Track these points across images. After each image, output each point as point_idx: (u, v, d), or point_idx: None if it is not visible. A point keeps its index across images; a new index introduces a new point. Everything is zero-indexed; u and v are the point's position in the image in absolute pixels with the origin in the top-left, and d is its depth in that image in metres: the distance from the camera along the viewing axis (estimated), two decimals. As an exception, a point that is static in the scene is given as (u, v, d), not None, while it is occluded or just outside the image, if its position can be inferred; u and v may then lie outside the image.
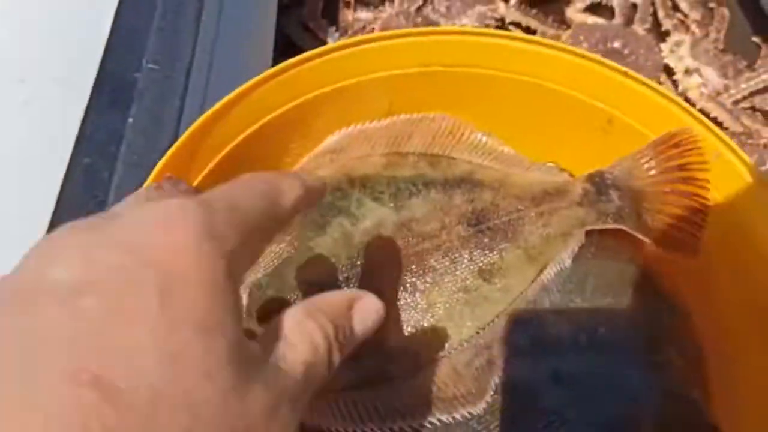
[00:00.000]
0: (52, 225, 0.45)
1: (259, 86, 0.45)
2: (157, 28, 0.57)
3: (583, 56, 0.45)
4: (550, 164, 0.52)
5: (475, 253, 0.43)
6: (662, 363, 0.40)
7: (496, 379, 0.40)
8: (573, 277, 0.43)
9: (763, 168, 0.93)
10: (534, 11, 1.17)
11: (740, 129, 0.98)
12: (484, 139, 0.50)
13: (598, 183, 0.46)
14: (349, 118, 0.51)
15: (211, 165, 0.45)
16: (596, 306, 0.42)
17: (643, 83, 0.44)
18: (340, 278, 0.43)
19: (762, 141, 0.97)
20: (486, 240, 0.43)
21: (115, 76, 0.52)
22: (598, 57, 0.46)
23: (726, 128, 1.00)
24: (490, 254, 0.43)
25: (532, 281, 0.43)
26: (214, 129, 0.44)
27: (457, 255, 0.43)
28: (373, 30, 1.09)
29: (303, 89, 0.47)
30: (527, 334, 0.41)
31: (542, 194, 0.45)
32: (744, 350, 0.42)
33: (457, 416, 0.39)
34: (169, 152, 0.41)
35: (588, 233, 0.45)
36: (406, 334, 0.41)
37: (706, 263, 0.44)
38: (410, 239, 0.44)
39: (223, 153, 0.45)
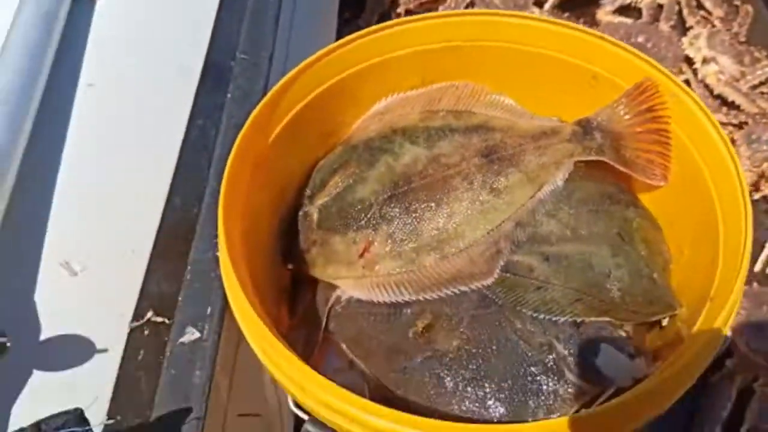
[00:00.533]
0: (178, 166, 0.62)
1: (319, 60, 0.61)
2: (246, 29, 0.75)
3: (569, 26, 0.60)
4: (553, 118, 0.66)
5: (487, 176, 0.58)
6: (629, 251, 0.54)
7: (501, 263, 0.54)
8: (563, 192, 0.57)
9: (777, 142, 1.03)
10: (566, 14, 1.31)
11: (755, 110, 1.09)
12: (497, 98, 0.65)
13: (585, 126, 0.60)
14: (391, 87, 0.67)
15: (285, 120, 0.61)
16: (579, 211, 0.56)
17: (616, 44, 0.59)
18: (385, 196, 0.58)
19: (778, 121, 1.07)
20: (495, 166, 0.58)
21: (217, 63, 0.71)
22: (581, 26, 0.60)
23: (743, 110, 1.11)
24: (499, 177, 0.58)
25: (531, 197, 0.57)
26: (287, 94, 0.61)
27: (473, 178, 0.58)
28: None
29: (352, 63, 0.63)
30: (525, 232, 0.55)
31: (540, 133, 0.60)
32: (686, 244, 0.55)
33: (473, 287, 0.53)
34: (255, 110, 0.58)
35: (576, 163, 0.59)
36: (434, 235, 0.56)
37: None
38: (438, 168, 0.59)
39: (294, 111, 0.62)
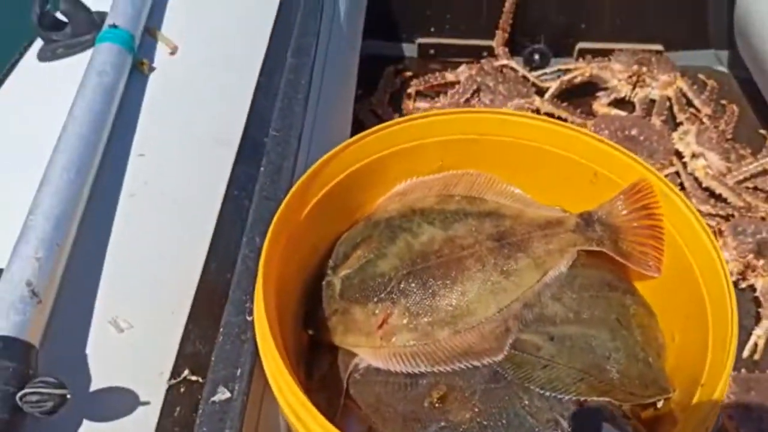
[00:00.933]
0: (215, 234, 0.68)
1: (348, 147, 0.68)
2: (278, 109, 0.83)
3: (573, 129, 0.68)
4: (556, 207, 0.73)
5: (498, 259, 0.64)
6: (627, 336, 0.59)
7: (510, 341, 0.59)
8: (567, 278, 0.63)
9: (759, 236, 1.11)
10: (565, 104, 1.41)
11: (741, 204, 1.17)
12: (508, 187, 0.72)
13: (587, 219, 0.67)
14: (412, 171, 0.74)
15: (316, 198, 0.68)
16: (581, 296, 0.62)
17: (615, 148, 0.66)
18: (404, 272, 0.64)
19: (760, 214, 1.15)
20: (506, 250, 0.65)
21: (253, 139, 0.78)
22: (585, 130, 0.68)
23: (729, 203, 1.19)
24: (509, 260, 0.64)
25: (538, 280, 0.63)
26: (320, 176, 0.67)
27: (485, 260, 0.64)
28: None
29: (374, 150, 0.70)
30: (532, 313, 0.61)
31: (546, 223, 0.67)
32: (677, 329, 0.61)
33: (484, 362, 0.58)
34: (293, 189, 0.64)
35: (579, 252, 0.65)
36: (449, 311, 0.62)
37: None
38: (453, 248, 0.65)
39: (324, 190, 0.68)
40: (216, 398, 0.57)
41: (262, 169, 0.76)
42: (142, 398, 0.54)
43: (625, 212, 0.66)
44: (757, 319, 1.05)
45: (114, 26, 0.83)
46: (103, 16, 0.87)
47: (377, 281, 0.64)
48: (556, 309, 0.61)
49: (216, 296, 0.63)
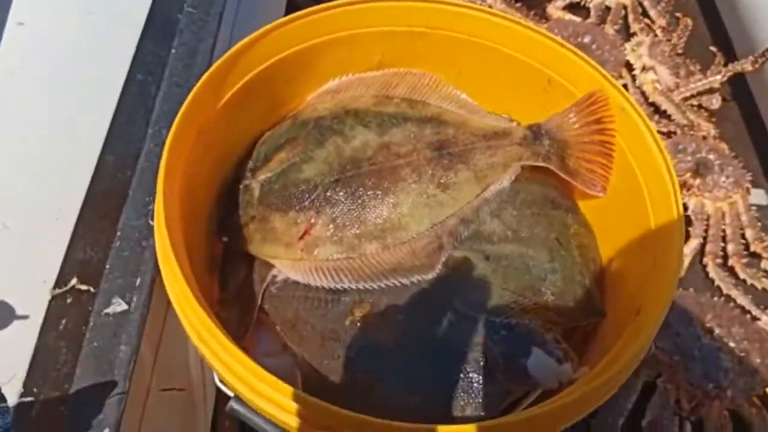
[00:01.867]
0: (113, 124, 0.59)
1: (274, 30, 0.60)
2: (196, -20, 0.71)
3: (532, 29, 0.61)
4: (504, 115, 0.68)
5: (436, 170, 0.59)
6: (566, 257, 0.56)
7: (443, 258, 0.55)
8: (508, 193, 0.59)
9: (698, 155, 1.10)
10: (518, 4, 1.33)
11: (685, 121, 1.15)
12: (453, 91, 0.66)
13: (535, 131, 0.62)
14: (348, 65, 0.66)
15: (237, 87, 0.59)
16: (522, 213, 0.58)
17: (575, 53, 0.60)
18: (332, 179, 0.58)
19: (701, 133, 1.14)
20: (445, 161, 0.59)
21: (163, 14, 0.67)
22: (543, 29, 0.62)
23: (673, 120, 1.17)
24: (448, 172, 0.59)
25: (478, 195, 0.59)
26: (242, 59, 0.59)
27: (422, 170, 0.59)
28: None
29: (306, 37, 0.62)
30: (468, 229, 0.57)
31: (492, 133, 0.61)
32: (617, 252, 0.59)
33: (413, 280, 0.54)
34: (208, 72, 0.56)
35: (523, 166, 0.61)
36: (378, 223, 0.57)
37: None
38: (388, 156, 0.59)
39: (247, 78, 0.60)
40: (110, 310, 0.51)
41: (173, 50, 0.66)
42: (20, 310, 0.47)
43: (576, 126, 0.61)
44: (686, 237, 1.06)
45: None
46: None
47: (301, 187, 0.58)
48: (494, 226, 0.57)
49: (113, 196, 0.56)
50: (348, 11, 0.62)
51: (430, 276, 0.55)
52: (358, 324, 0.52)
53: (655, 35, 1.32)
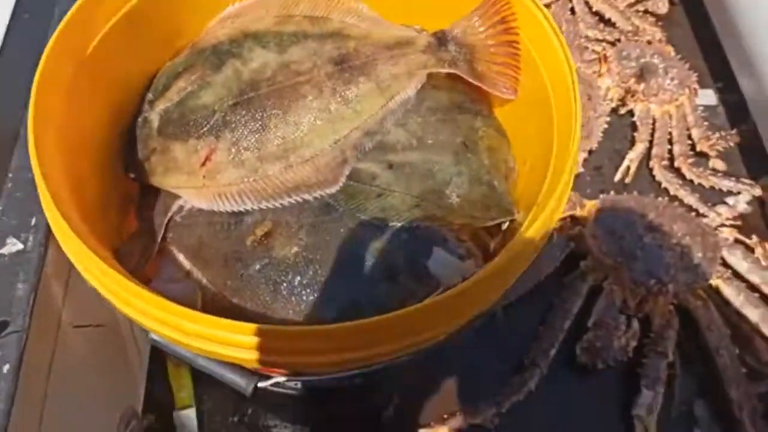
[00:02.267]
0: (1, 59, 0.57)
1: None
2: None
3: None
4: (416, 26, 0.66)
5: (337, 85, 0.58)
6: (472, 159, 0.56)
7: (347, 172, 0.55)
8: (414, 101, 0.58)
9: (642, 60, 1.09)
10: None
11: (629, 27, 1.13)
12: (356, 5, 0.64)
13: (440, 38, 0.61)
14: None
15: (118, 16, 0.57)
16: (427, 120, 0.57)
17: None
18: (230, 103, 0.57)
19: (646, 38, 1.13)
20: (347, 75, 0.58)
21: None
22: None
23: (618, 27, 1.15)
24: (349, 86, 0.58)
25: (382, 106, 0.58)
26: None
27: (323, 86, 0.57)
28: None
29: None
30: (373, 141, 0.56)
31: (395, 43, 0.60)
32: (529, 155, 0.59)
33: (316, 195, 0.54)
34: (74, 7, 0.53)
35: (430, 74, 0.59)
36: (280, 143, 0.56)
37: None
38: (288, 75, 0.58)
39: (128, 6, 0.58)
40: (5, 250, 0.50)
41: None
42: None
43: (482, 29, 0.60)
44: (632, 143, 1.06)
45: None
46: None
47: (200, 114, 0.57)
48: (399, 135, 0.57)
49: (3, 138, 0.55)
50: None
51: (334, 190, 0.54)
52: (260, 242, 0.52)
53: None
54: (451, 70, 0.60)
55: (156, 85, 0.61)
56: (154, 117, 0.59)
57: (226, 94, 0.58)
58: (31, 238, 0.51)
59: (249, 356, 0.42)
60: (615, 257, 0.91)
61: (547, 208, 0.47)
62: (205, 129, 0.57)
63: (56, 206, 0.44)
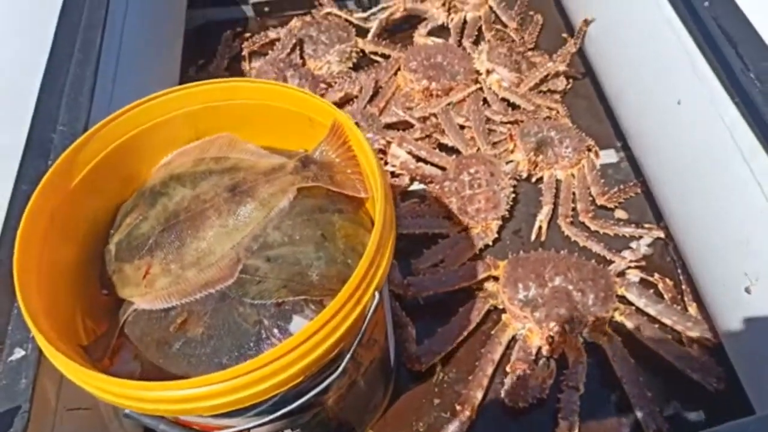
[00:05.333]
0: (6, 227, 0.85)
1: (112, 121, 0.84)
2: (64, 104, 0.98)
3: (288, 87, 0.85)
4: (301, 150, 0.90)
5: (231, 206, 0.82)
6: (329, 246, 0.78)
7: (239, 268, 0.78)
8: (288, 210, 0.81)
9: (540, 134, 1.30)
10: (385, 41, 1.57)
11: (531, 108, 1.35)
12: (246, 144, 0.89)
13: (304, 160, 0.85)
14: (172, 140, 0.91)
15: (85, 171, 0.84)
16: (295, 221, 0.80)
17: (316, 98, 0.83)
18: (160, 230, 0.82)
19: (544, 115, 1.34)
20: (238, 198, 0.82)
21: (39, 137, 0.93)
22: (303, 90, 0.85)
23: (523, 109, 1.38)
24: (240, 206, 0.82)
25: (265, 217, 0.81)
26: (85, 149, 0.83)
27: (222, 208, 0.82)
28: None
29: (140, 122, 0.87)
30: (258, 242, 0.79)
31: (271, 169, 0.84)
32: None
33: (218, 288, 0.77)
34: (55, 164, 0.80)
35: (300, 188, 0.83)
36: (194, 254, 0.80)
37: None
38: (198, 204, 0.83)
39: (93, 163, 0.85)
40: (13, 357, 0.75)
41: (50, 162, 0.92)
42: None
43: (331, 150, 0.84)
44: (540, 206, 1.25)
45: None
46: None
47: (140, 241, 0.82)
48: (275, 236, 0.80)
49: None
50: (162, 101, 0.87)
51: (230, 282, 0.77)
52: (179, 328, 0.75)
53: (511, 38, 1.53)
54: (315, 184, 0.84)
55: (115, 222, 0.87)
56: (113, 247, 0.84)
57: (157, 223, 0.83)
58: (30, 346, 0.75)
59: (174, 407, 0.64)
60: (521, 307, 1.10)
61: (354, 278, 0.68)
62: (144, 251, 0.81)
63: (35, 325, 0.68)
